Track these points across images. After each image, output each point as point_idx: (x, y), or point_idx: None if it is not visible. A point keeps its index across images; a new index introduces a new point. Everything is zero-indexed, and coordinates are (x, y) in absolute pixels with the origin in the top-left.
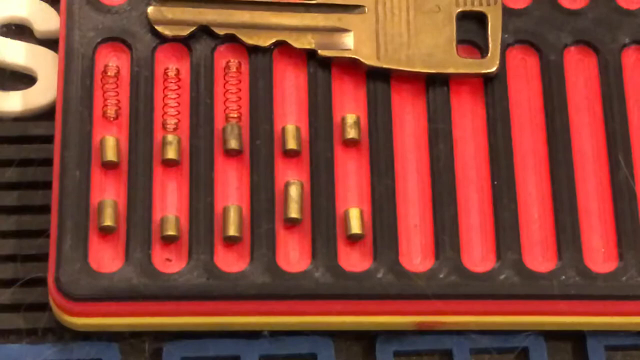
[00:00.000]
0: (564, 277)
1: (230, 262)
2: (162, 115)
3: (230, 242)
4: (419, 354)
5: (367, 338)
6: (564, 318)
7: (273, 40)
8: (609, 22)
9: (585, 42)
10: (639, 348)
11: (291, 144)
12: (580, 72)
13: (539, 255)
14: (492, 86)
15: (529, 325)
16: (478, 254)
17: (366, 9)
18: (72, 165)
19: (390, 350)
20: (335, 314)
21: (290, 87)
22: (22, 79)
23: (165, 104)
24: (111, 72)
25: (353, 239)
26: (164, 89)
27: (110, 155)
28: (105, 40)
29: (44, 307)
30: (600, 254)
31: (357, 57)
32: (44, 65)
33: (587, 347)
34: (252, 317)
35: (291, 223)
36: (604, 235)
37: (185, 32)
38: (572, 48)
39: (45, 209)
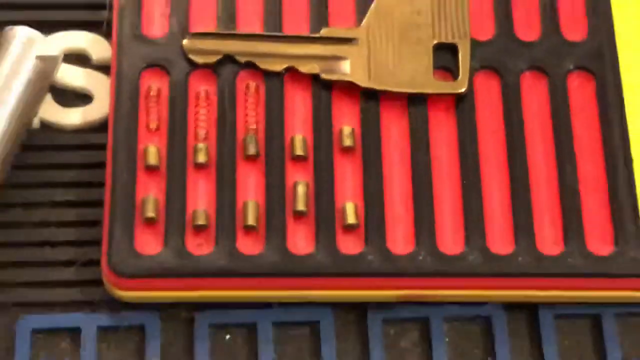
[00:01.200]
0: (520, 259)
1: (249, 246)
2: (194, 128)
3: (249, 230)
4: (402, 321)
5: (360, 308)
6: (520, 292)
7: (284, 66)
8: (557, 51)
9: (538, 68)
10: (581, 316)
11: (299, 151)
12: (534, 92)
13: (500, 241)
14: (462, 104)
15: (491, 298)
16: (450, 240)
17: (359, 41)
18: (121, 168)
19: (379, 318)
20: (334, 288)
21: (298, 104)
22: (81, 98)
23: (197, 119)
24: (153, 93)
25: (349, 228)
26: (195, 106)
27: (152, 160)
28: (148, 66)
29: (98, 283)
30: (549, 240)
31: (352, 80)
32: (99, 86)
33: (539, 316)
34: (267, 291)
35: (299, 215)
36: (552, 224)
37: (213, 60)
38: (527, 73)
39: (99, 204)
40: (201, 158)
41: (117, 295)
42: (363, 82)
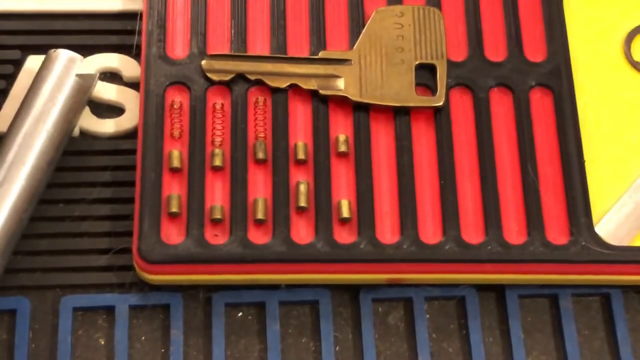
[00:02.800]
0: (489, 247)
1: (259, 237)
2: (212, 135)
3: (259, 223)
4: (390, 301)
5: (353, 289)
6: (489, 276)
7: (288, 83)
8: (521, 70)
9: (505, 85)
10: (542, 296)
11: (301, 155)
12: (501, 106)
13: (472, 232)
14: (440, 116)
15: (465, 281)
16: (430, 231)
17: (352, 62)
18: (149, 170)
19: (369, 298)
20: (331, 273)
21: (300, 115)
22: (114, 110)
23: (214, 128)
24: (176, 106)
25: (344, 221)
26: (212, 117)
27: (176, 163)
28: (172, 83)
29: (130, 268)
30: (514, 231)
31: (346, 95)
32: (130, 100)
33: (505, 296)
34: (274, 275)
35: (301, 210)
36: (517, 218)
37: (228, 77)
38: (496, 89)
39: (131, 200)
40: (217, 161)
41: (146, 278)
42: (355, 96)
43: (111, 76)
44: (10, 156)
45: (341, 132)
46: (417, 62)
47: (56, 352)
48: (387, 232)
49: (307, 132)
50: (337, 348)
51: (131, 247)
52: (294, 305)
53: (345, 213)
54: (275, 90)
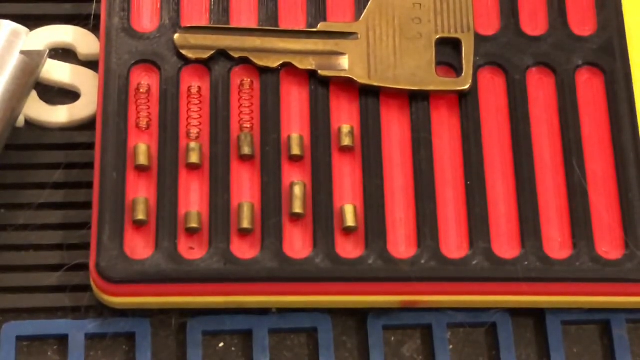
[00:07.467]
0: (526, 262)
1: (244, 250)
2: (186, 126)
3: (244, 233)
4: (404, 328)
5: (360, 314)
6: (526, 298)
7: (280, 62)
8: (565, 46)
9: (545, 64)
10: (590, 323)
11: (295, 150)
12: (540, 89)
13: (506, 244)
14: (465, 101)
15: (496, 304)
16: (454, 243)
17: (359, 36)
18: (110, 168)
19: (379, 325)
20: (333, 294)
21: (294, 101)
22: (67, 95)
23: (189, 116)
24: (143, 89)
25: (348, 231)
26: (187, 104)
27: (142, 159)
28: (138, 62)
29: (86, 288)
30: (557, 243)
31: (351, 76)
32: (87, 83)
33: (546, 322)
34: (263, 297)
35: (295, 217)
36: (560, 227)
37: (206, 55)
38: (534, 69)
39: (87, 205)
40: (193, 158)
41: (106, 301)
42: (362, 78)
43: (64, 53)
44: None
45: (345, 121)
46: (437, 36)
47: None
48: (401, 244)
49: (303, 121)
50: None
51: (88, 263)
52: (288, 334)
53: (350, 221)
54: (264, 71)
